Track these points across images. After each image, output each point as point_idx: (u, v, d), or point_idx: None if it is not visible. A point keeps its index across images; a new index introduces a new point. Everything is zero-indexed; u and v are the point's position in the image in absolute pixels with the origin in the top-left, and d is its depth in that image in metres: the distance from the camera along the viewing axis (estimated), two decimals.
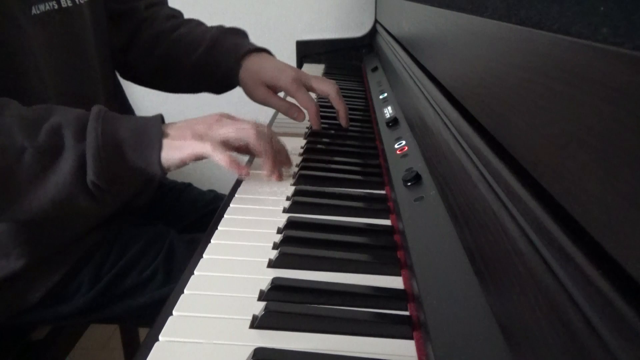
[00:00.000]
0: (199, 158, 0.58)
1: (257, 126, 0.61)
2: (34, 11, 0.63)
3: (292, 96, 0.80)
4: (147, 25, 0.88)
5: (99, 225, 0.73)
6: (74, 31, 0.70)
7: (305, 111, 0.81)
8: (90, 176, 0.54)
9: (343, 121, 0.85)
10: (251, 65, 0.82)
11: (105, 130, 0.55)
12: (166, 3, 0.97)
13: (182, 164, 0.58)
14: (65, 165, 0.54)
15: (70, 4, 0.69)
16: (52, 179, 0.54)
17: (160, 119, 0.60)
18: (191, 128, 0.59)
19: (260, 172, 0.70)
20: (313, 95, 0.82)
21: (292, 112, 0.80)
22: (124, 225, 0.77)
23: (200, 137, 0.58)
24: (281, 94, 0.84)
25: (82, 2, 0.72)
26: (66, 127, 0.55)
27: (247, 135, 0.60)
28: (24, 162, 0.53)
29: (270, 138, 0.62)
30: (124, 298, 0.71)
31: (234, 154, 0.60)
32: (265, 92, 0.81)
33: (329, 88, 0.81)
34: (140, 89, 0.99)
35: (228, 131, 0.59)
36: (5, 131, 0.53)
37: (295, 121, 0.81)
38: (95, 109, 0.57)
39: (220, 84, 0.87)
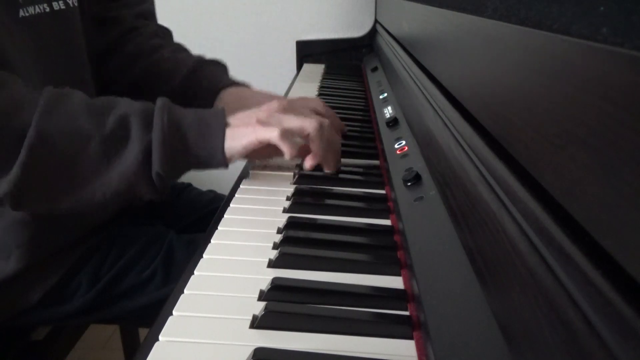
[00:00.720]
0: (262, 143, 0.58)
1: (320, 121, 0.60)
2: (22, 14, 0.63)
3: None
4: (131, 37, 0.86)
5: (98, 226, 0.73)
6: (66, 34, 0.70)
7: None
8: (155, 166, 0.55)
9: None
10: (228, 97, 0.80)
11: (171, 120, 0.56)
12: (155, 18, 0.95)
13: (246, 151, 0.58)
14: (131, 155, 0.55)
15: (62, 7, 0.69)
16: (117, 168, 0.55)
17: (223, 111, 0.60)
18: (255, 115, 0.59)
19: (258, 172, 0.70)
20: None
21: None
22: (123, 225, 0.77)
23: (264, 123, 0.58)
24: None
25: (74, 4, 0.72)
26: (133, 117, 0.55)
27: (311, 129, 0.59)
28: (91, 150, 0.54)
29: (328, 137, 0.62)
30: (124, 298, 0.71)
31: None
32: None
33: (314, 106, 0.75)
34: None
35: (292, 121, 0.59)
36: (72, 119, 0.53)
37: None
38: (160, 100, 0.58)
39: None
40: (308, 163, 0.63)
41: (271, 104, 0.62)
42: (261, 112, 0.60)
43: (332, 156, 0.64)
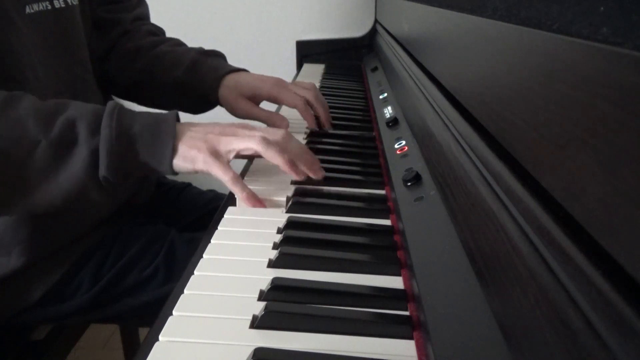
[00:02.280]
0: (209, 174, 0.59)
1: (266, 134, 0.60)
2: (28, 10, 0.64)
3: (277, 99, 0.81)
4: (128, 37, 0.88)
5: (99, 224, 0.73)
6: (67, 32, 0.71)
7: (291, 120, 0.80)
8: (102, 171, 0.55)
9: (326, 124, 0.85)
10: (230, 82, 0.82)
11: (119, 126, 0.55)
12: (149, 19, 0.97)
13: (194, 173, 0.59)
14: (79, 159, 0.54)
15: (63, 5, 0.70)
16: (65, 172, 0.54)
17: (175, 116, 0.60)
18: (206, 138, 0.59)
19: (259, 171, 0.70)
20: None
21: (274, 120, 0.79)
22: (124, 224, 0.77)
23: (215, 154, 0.58)
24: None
25: (74, 3, 0.72)
26: (80, 121, 0.55)
27: (254, 144, 0.59)
28: (38, 155, 0.53)
29: (281, 142, 0.61)
30: (124, 297, 0.71)
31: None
32: (246, 105, 0.81)
33: (306, 94, 0.81)
34: None
35: (238, 143, 0.59)
36: (20, 123, 0.53)
37: (294, 124, 0.81)
38: (110, 104, 0.58)
39: (198, 104, 0.87)
40: (295, 176, 0.63)
41: (226, 126, 0.62)
42: (212, 134, 0.59)
43: (302, 160, 0.63)
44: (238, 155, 0.60)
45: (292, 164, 0.61)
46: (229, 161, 0.59)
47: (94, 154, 0.55)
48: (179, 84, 0.84)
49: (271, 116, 0.80)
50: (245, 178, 0.67)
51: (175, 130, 0.58)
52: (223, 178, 0.58)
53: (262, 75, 0.83)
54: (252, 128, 0.62)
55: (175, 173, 0.59)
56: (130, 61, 0.86)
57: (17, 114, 0.54)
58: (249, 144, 0.59)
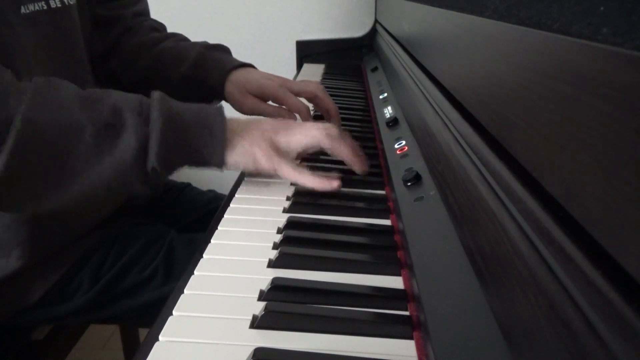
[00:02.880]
0: (275, 174, 0.58)
1: (325, 129, 0.61)
2: (23, 10, 0.63)
3: (282, 102, 0.80)
4: (130, 34, 0.87)
5: (98, 225, 0.73)
6: (64, 32, 0.71)
7: (297, 116, 0.80)
8: (152, 162, 0.52)
9: (335, 120, 0.84)
10: (237, 78, 0.81)
11: (170, 115, 0.54)
12: (149, 15, 0.97)
13: (256, 172, 0.58)
14: (126, 148, 0.52)
15: (59, 5, 0.69)
16: (110, 161, 0.52)
17: (222, 109, 0.58)
18: (264, 136, 0.58)
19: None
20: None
21: (282, 114, 0.79)
22: (124, 224, 0.77)
23: (278, 152, 0.57)
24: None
25: (70, 3, 0.72)
26: (127, 109, 0.53)
27: (319, 140, 0.59)
28: (83, 142, 0.51)
29: (341, 136, 0.62)
30: (124, 297, 0.71)
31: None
32: (253, 101, 0.80)
33: (314, 88, 0.81)
34: None
35: (301, 139, 0.59)
36: (64, 108, 0.51)
37: None
38: (155, 93, 0.56)
39: (205, 100, 0.85)
40: (357, 168, 0.63)
41: (278, 122, 0.61)
42: (268, 132, 0.58)
43: (358, 152, 0.64)
44: (300, 153, 0.60)
45: (357, 152, 0.61)
46: (293, 158, 0.59)
47: (143, 143, 0.52)
48: (184, 79, 0.83)
49: (279, 111, 0.80)
50: (245, 178, 0.67)
51: (226, 121, 0.56)
52: (293, 175, 0.57)
53: (269, 74, 0.83)
54: (302, 123, 0.62)
55: (226, 168, 0.57)
56: (134, 58, 0.86)
57: (60, 98, 0.51)
58: (315, 139, 0.59)
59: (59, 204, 0.53)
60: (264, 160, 0.56)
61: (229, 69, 0.82)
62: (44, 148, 0.50)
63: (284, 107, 0.80)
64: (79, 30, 0.74)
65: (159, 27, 0.94)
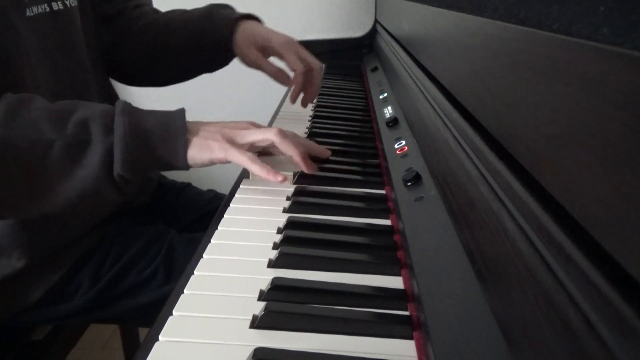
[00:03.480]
0: (228, 162, 0.60)
1: (280, 129, 0.64)
2: (27, 13, 0.64)
3: (282, 57, 0.84)
4: (133, 22, 0.89)
5: (98, 225, 0.73)
6: (66, 34, 0.71)
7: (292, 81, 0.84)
8: (117, 169, 0.55)
9: (306, 102, 0.88)
10: (245, 28, 0.85)
11: (132, 123, 0.56)
12: (151, 4, 0.98)
13: (210, 163, 0.60)
14: (94, 159, 0.55)
15: (61, 7, 0.70)
16: (80, 172, 0.55)
17: (183, 113, 0.60)
18: (221, 131, 0.61)
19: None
20: None
21: (280, 76, 0.84)
22: (124, 224, 0.77)
23: (231, 142, 0.60)
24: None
25: (72, 5, 0.72)
26: (93, 121, 0.55)
27: (271, 135, 0.62)
28: (53, 156, 0.53)
29: (293, 137, 0.65)
30: (124, 297, 0.71)
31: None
32: (256, 54, 0.84)
33: (314, 63, 0.85)
34: (134, 94, 0.99)
35: (255, 135, 0.62)
36: (33, 125, 0.53)
37: (290, 108, 0.85)
38: (120, 103, 0.58)
39: (215, 55, 0.88)
40: (303, 168, 0.65)
41: (237, 122, 0.64)
42: (227, 128, 0.62)
43: (312, 148, 0.69)
44: (253, 147, 0.63)
45: (305, 156, 0.64)
46: (245, 148, 0.61)
47: (109, 152, 0.55)
48: (194, 33, 0.86)
49: (279, 71, 0.83)
50: (245, 178, 0.67)
51: (185, 125, 0.59)
52: (241, 159, 0.59)
53: (277, 31, 0.86)
54: (262, 125, 0.65)
55: (189, 167, 0.60)
56: (140, 39, 0.88)
57: (30, 115, 0.54)
58: (266, 135, 0.62)
59: (39, 212, 0.58)
60: (217, 148, 0.59)
61: (237, 18, 0.85)
62: (17, 164, 0.53)
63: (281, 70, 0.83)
64: (81, 32, 0.75)
65: (159, 11, 0.96)
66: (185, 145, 0.58)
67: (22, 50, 0.62)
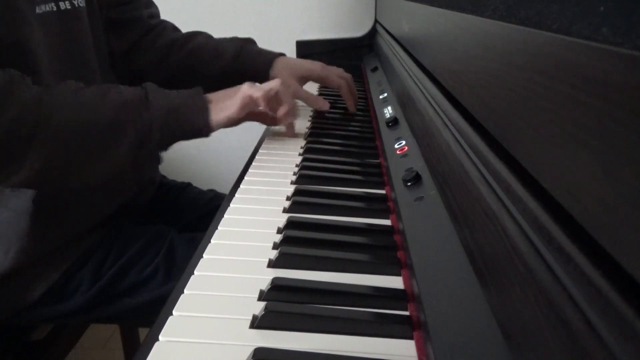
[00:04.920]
0: (246, 106, 0.70)
1: (282, 81, 0.76)
2: (37, 10, 0.65)
3: (325, 80, 0.94)
4: (156, 34, 0.92)
5: (99, 224, 0.73)
6: (72, 34, 0.71)
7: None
8: (153, 142, 0.65)
9: (354, 107, 0.98)
10: (285, 64, 0.93)
11: (162, 102, 0.65)
12: (160, 17, 1.00)
13: (231, 121, 0.70)
14: (133, 133, 0.63)
15: (68, 7, 0.70)
16: (120, 148, 0.63)
17: (201, 89, 0.70)
18: (229, 92, 0.71)
19: (259, 171, 0.70)
20: None
21: (317, 102, 0.92)
22: (125, 224, 0.77)
23: (245, 97, 0.70)
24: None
25: (80, 5, 0.73)
26: (129, 100, 0.64)
27: (276, 85, 0.74)
28: (97, 135, 0.61)
29: (293, 91, 0.81)
30: (124, 296, 0.71)
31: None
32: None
33: (345, 74, 0.97)
34: None
35: (263, 86, 0.73)
36: (79, 108, 0.60)
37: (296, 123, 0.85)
38: (148, 85, 0.67)
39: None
40: (280, 112, 0.76)
41: (242, 85, 0.73)
42: (234, 90, 0.72)
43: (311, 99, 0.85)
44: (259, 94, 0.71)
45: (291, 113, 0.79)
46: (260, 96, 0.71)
47: (145, 128, 0.63)
48: (226, 71, 0.91)
49: (318, 98, 0.94)
50: (245, 178, 0.67)
51: (204, 97, 0.70)
52: (255, 94, 0.70)
53: (309, 60, 0.96)
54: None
55: (212, 131, 0.69)
56: (164, 56, 0.91)
57: (75, 101, 0.60)
58: (272, 84, 0.74)
59: (85, 183, 0.66)
60: (234, 106, 0.70)
61: (273, 57, 0.94)
62: (66, 144, 0.60)
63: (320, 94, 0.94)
64: (89, 33, 0.75)
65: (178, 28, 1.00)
66: (208, 113, 0.68)
67: (33, 47, 0.63)
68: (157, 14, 0.98)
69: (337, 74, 0.95)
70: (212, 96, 0.71)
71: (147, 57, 0.91)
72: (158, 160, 0.69)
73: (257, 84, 0.74)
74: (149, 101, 0.64)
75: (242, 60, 0.92)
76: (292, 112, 0.78)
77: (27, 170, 0.57)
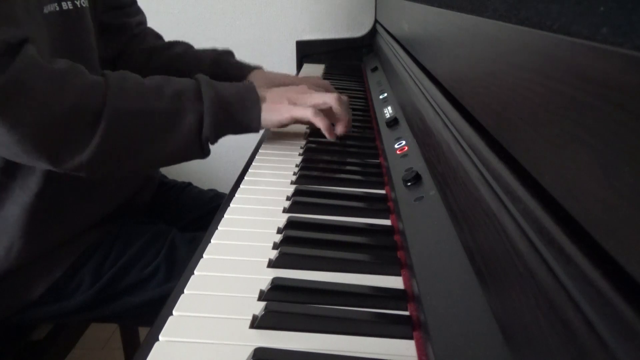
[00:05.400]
0: (297, 121, 0.72)
1: (337, 95, 0.76)
2: (44, 10, 0.65)
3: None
4: (138, 40, 0.92)
5: (100, 223, 0.73)
6: (75, 34, 0.71)
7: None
8: (205, 133, 0.66)
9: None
10: (258, 77, 0.90)
11: (217, 95, 0.67)
12: (147, 25, 1.01)
13: (280, 125, 0.72)
14: (188, 124, 0.65)
15: (71, 7, 0.70)
16: (175, 136, 0.65)
17: (254, 85, 0.72)
18: (285, 95, 0.72)
19: (259, 171, 0.70)
20: None
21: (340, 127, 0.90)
22: (126, 223, 0.77)
23: (295, 104, 0.71)
24: None
25: (83, 6, 0.73)
26: (184, 93, 0.66)
27: (332, 102, 0.74)
28: (155, 122, 0.63)
29: (347, 105, 0.78)
30: (126, 295, 0.71)
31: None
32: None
33: (330, 100, 0.83)
34: None
35: (316, 99, 0.73)
36: (137, 96, 0.63)
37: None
38: (201, 77, 0.69)
39: None
40: (339, 130, 0.77)
41: (299, 87, 0.76)
42: (290, 92, 0.73)
43: (350, 119, 0.80)
44: (315, 107, 0.72)
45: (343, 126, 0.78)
46: (307, 107, 0.72)
47: (199, 119, 0.65)
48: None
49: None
50: (245, 178, 0.67)
51: (258, 94, 0.71)
52: (305, 114, 0.71)
53: (284, 77, 0.91)
54: (321, 90, 0.78)
55: (261, 128, 0.71)
56: (144, 62, 0.91)
57: (133, 89, 0.63)
58: (325, 99, 0.74)
59: (137, 168, 0.70)
60: (284, 111, 0.71)
61: (248, 70, 0.91)
62: (126, 130, 0.62)
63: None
64: (91, 34, 0.75)
65: (159, 35, 1.00)
66: (259, 111, 0.69)
67: (43, 46, 0.63)
68: (144, 22, 0.99)
69: (320, 85, 0.89)
70: (268, 94, 0.72)
71: (129, 63, 0.91)
72: (206, 152, 0.69)
73: (314, 92, 0.75)
74: (201, 92, 0.66)
75: (218, 72, 0.90)
76: (347, 127, 0.78)
77: (91, 151, 0.59)
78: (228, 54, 0.97)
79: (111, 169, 0.65)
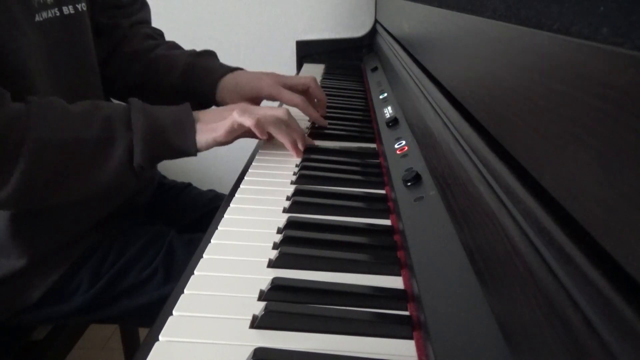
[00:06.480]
0: (234, 132, 0.66)
1: (285, 110, 0.71)
2: (37, 18, 0.65)
3: (277, 99, 0.83)
4: (126, 42, 0.89)
5: (98, 225, 0.73)
6: (75, 37, 0.71)
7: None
8: (137, 160, 0.62)
9: (322, 109, 0.88)
10: (227, 85, 0.84)
11: (148, 120, 0.63)
12: (150, 23, 0.97)
13: (217, 143, 0.67)
14: (117, 153, 0.61)
15: (72, 11, 0.70)
16: (105, 165, 0.61)
17: (189, 106, 0.68)
18: (221, 113, 0.68)
19: (259, 171, 0.70)
20: None
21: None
22: (124, 224, 0.77)
23: (241, 114, 0.66)
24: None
25: (83, 9, 0.73)
26: (114, 120, 0.62)
27: (280, 114, 0.70)
28: (82, 153, 0.59)
29: (287, 122, 0.72)
30: (124, 297, 0.71)
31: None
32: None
33: (306, 80, 0.86)
34: None
35: (263, 110, 0.69)
36: (63, 125, 0.58)
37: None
38: (133, 101, 0.65)
39: (198, 106, 0.86)
40: (294, 154, 0.73)
41: (236, 104, 0.70)
42: (226, 111, 0.68)
43: (298, 136, 0.74)
44: (264, 120, 0.68)
45: (295, 145, 0.73)
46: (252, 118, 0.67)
47: (130, 147, 0.61)
48: (175, 88, 0.85)
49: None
50: (245, 178, 0.67)
51: (193, 116, 0.66)
52: (243, 121, 0.66)
53: (259, 73, 0.85)
54: (258, 107, 0.71)
55: (198, 151, 0.66)
56: (128, 65, 0.87)
57: (58, 118, 0.58)
58: (274, 112, 0.69)
59: (66, 200, 0.64)
60: (220, 129, 0.66)
61: (219, 76, 0.84)
62: (50, 162, 0.58)
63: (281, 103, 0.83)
64: (90, 35, 0.75)
65: (154, 34, 0.94)
66: (194, 134, 0.65)
67: (31, 56, 0.62)
68: (144, 19, 0.94)
69: (295, 84, 0.85)
70: (202, 115, 0.67)
71: (115, 65, 0.87)
72: (144, 177, 0.66)
73: (252, 107, 0.69)
74: (131, 119, 0.62)
75: (189, 78, 0.85)
76: (301, 141, 0.73)
77: (13, 185, 0.55)
78: (207, 55, 0.90)
79: (38, 203, 0.62)
